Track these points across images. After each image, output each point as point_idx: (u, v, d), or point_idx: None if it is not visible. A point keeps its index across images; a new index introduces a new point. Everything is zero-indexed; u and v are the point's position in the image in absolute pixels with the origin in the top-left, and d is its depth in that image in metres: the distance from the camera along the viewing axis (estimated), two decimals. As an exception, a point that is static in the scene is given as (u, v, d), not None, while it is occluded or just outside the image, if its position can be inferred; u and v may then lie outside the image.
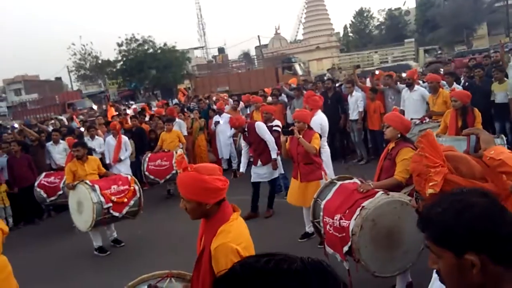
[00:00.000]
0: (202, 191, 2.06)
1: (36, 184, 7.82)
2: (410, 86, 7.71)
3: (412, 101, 7.52)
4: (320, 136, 5.31)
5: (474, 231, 1.09)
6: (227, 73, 32.28)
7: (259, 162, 6.38)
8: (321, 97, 6.95)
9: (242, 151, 6.88)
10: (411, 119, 6.15)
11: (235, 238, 2.04)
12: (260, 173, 6.39)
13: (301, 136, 5.00)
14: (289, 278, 0.75)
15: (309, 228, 5.26)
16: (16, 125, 11.33)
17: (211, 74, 35.25)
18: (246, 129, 6.45)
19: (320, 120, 6.06)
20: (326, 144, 6.26)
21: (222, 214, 2.12)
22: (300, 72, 25.75)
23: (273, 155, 6.28)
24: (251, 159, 6.70)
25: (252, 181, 6.49)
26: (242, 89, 20.57)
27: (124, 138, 8.44)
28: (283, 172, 6.88)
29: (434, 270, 1.23)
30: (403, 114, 7.43)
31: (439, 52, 29.64)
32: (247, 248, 2.07)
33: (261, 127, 6.41)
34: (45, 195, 7.76)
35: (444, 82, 8.35)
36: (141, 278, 2.27)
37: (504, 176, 1.69)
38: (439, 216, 1.15)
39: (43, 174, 8.02)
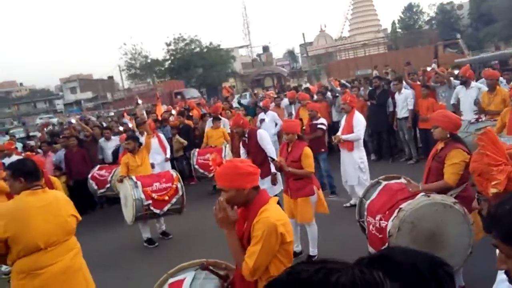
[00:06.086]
0: (237, 176, 2.24)
1: (89, 176, 8.24)
2: (466, 83, 7.35)
3: (470, 99, 7.14)
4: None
5: None
6: (369, 54, 28.98)
7: None
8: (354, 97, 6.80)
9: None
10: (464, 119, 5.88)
11: (275, 215, 2.21)
12: None
13: (290, 169, 4.61)
14: None
15: (296, 248, 4.88)
16: (73, 121, 11.93)
17: (347, 55, 31.38)
18: (246, 135, 5.84)
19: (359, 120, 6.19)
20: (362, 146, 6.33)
21: (261, 197, 2.30)
22: (465, 50, 21.66)
23: (273, 168, 5.38)
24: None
25: None
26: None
27: (161, 136, 8.57)
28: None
29: (499, 272, 1.17)
30: (458, 110, 7.14)
31: None
32: (285, 225, 2.23)
33: (263, 136, 5.77)
34: (96, 187, 8.15)
35: (502, 79, 7.92)
36: (180, 266, 2.48)
37: None
38: (507, 214, 1.10)
39: (97, 166, 8.43)
